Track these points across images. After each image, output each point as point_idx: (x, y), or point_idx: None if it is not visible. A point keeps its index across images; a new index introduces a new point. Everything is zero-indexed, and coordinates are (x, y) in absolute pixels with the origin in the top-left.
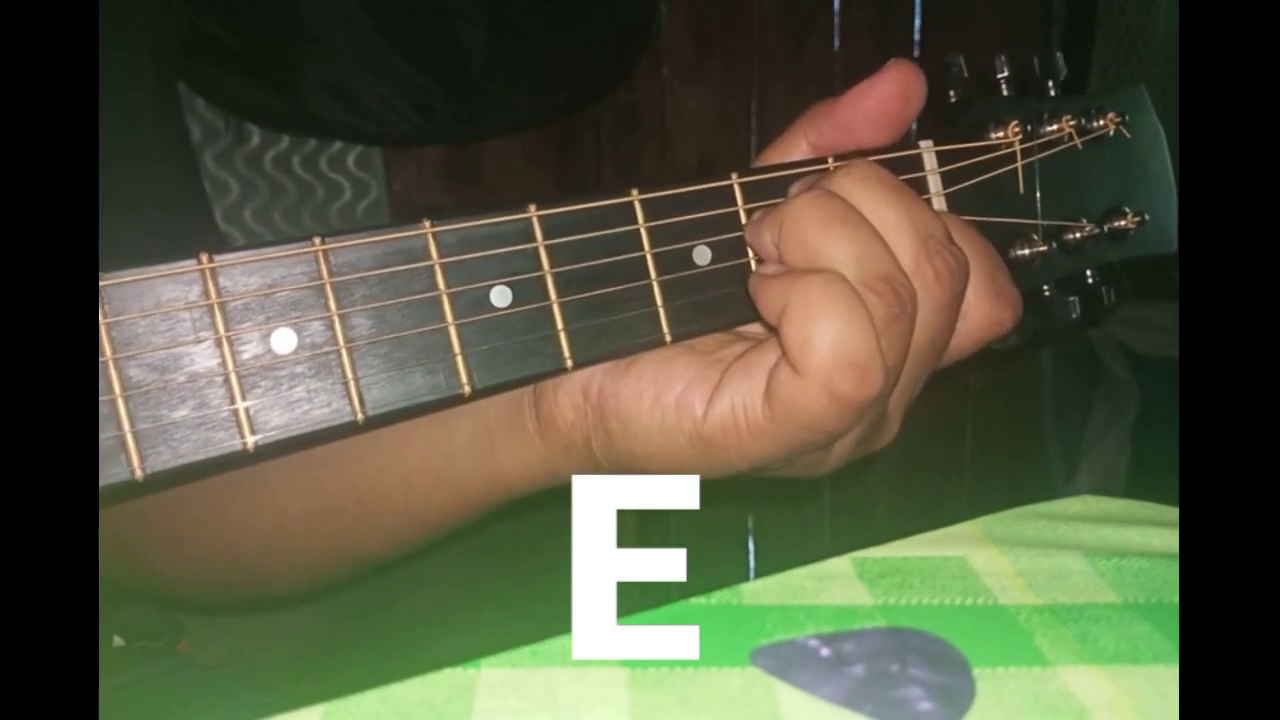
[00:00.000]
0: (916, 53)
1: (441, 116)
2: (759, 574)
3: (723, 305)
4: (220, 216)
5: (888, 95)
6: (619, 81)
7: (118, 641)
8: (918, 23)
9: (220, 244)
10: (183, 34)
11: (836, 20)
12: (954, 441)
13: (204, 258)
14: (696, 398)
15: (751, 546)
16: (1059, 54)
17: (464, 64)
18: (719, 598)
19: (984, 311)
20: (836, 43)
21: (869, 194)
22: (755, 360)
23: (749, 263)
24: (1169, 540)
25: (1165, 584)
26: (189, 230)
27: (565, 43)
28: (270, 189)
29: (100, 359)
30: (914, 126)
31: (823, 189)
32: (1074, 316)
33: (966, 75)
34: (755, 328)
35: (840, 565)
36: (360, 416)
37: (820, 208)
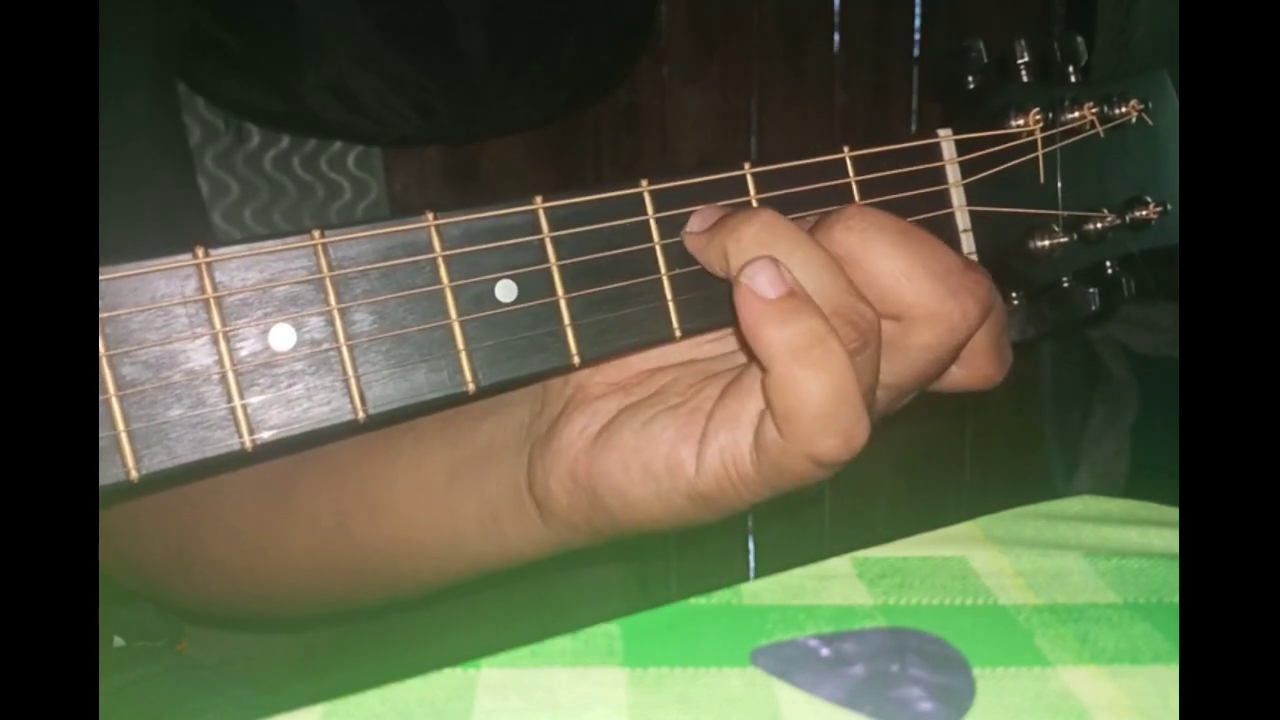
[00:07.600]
0: (916, 52)
1: (441, 116)
2: (759, 574)
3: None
4: (220, 217)
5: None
6: (619, 82)
7: (118, 641)
8: (917, 23)
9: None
10: (183, 34)
11: (836, 20)
12: (954, 441)
13: (199, 252)
14: (685, 455)
15: (751, 546)
16: (1080, 38)
17: (464, 64)
18: (719, 598)
19: (989, 372)
20: (836, 43)
21: (873, 247)
22: (738, 410)
23: None
24: (1169, 540)
25: (1165, 584)
26: (185, 235)
27: (565, 43)
28: (270, 189)
29: None
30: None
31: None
32: (1094, 308)
33: (986, 60)
34: (720, 361)
35: (840, 565)
36: (361, 415)
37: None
